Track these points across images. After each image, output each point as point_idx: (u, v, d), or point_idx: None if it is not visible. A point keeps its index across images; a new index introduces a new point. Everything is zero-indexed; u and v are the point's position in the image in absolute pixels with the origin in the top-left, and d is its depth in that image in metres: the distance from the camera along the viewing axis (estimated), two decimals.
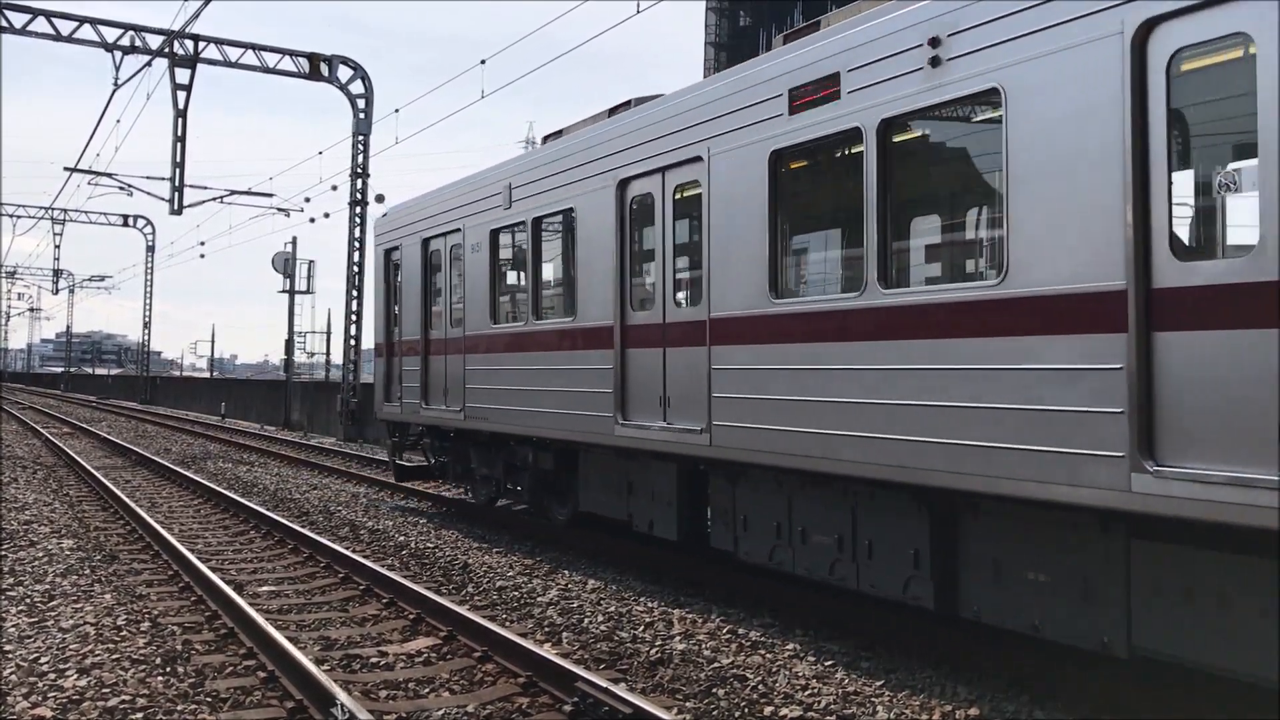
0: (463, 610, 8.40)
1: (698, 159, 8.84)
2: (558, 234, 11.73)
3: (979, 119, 6.85)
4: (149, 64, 27.16)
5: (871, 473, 7.09)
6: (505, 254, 12.78)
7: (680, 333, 9.16)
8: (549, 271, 12.06)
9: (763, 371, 8.05)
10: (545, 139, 12.42)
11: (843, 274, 7.99)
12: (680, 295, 9.39)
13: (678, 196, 9.31)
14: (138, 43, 28.10)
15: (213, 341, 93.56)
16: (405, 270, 15.19)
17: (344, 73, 31.33)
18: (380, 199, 31.69)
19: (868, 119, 7.12)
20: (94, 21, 27.86)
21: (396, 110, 33.61)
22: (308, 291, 42.93)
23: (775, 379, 7.91)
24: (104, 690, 6.73)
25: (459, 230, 13.36)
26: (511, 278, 12.91)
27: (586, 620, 8.75)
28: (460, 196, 13.47)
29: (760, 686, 6.93)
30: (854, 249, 7.56)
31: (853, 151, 7.49)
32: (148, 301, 63.72)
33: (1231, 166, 5.51)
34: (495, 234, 12.54)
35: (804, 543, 8.05)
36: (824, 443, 7.41)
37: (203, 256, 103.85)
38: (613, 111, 10.87)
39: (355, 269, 31.58)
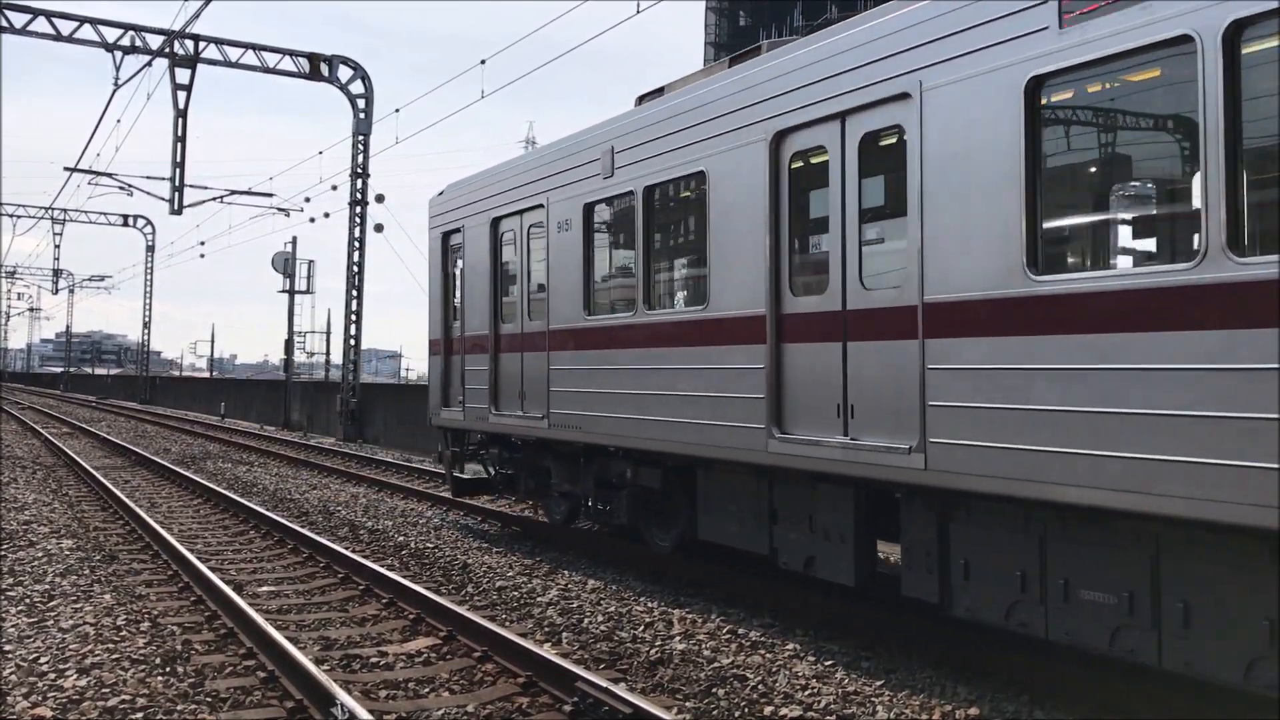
0: (463, 610, 8.39)
1: (902, 96, 6.96)
2: (680, 204, 9.93)
3: None
4: (149, 64, 27.21)
5: (1225, 515, 5.12)
6: (604, 231, 10.85)
7: (871, 322, 7.21)
8: (666, 251, 10.20)
9: (1015, 373, 6.13)
10: (641, 99, 10.49)
11: (1161, 238, 6.22)
12: (870, 274, 7.37)
13: (866, 147, 7.38)
14: (138, 43, 28.14)
15: (212, 341, 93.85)
16: (469, 255, 13.04)
17: (344, 73, 31.40)
18: (380, 199, 31.81)
19: (1204, 22, 5.26)
20: (94, 21, 27.91)
21: (397, 110, 33.66)
22: (308, 291, 43.03)
23: (1039, 383, 5.99)
24: (104, 690, 6.73)
25: (541, 206, 11.31)
26: (612, 260, 10.96)
27: (586, 620, 8.74)
28: (543, 167, 11.44)
29: (760, 686, 6.93)
30: (1177, 205, 5.92)
31: (1174, 69, 5.61)
32: (147, 301, 63.85)
33: None
34: (591, 208, 10.54)
35: (1065, 600, 6.10)
36: (1130, 470, 5.50)
37: (203, 256, 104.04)
38: (734, 61, 9.18)
39: (355, 269, 31.61)
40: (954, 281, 6.58)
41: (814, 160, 7.85)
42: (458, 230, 13.38)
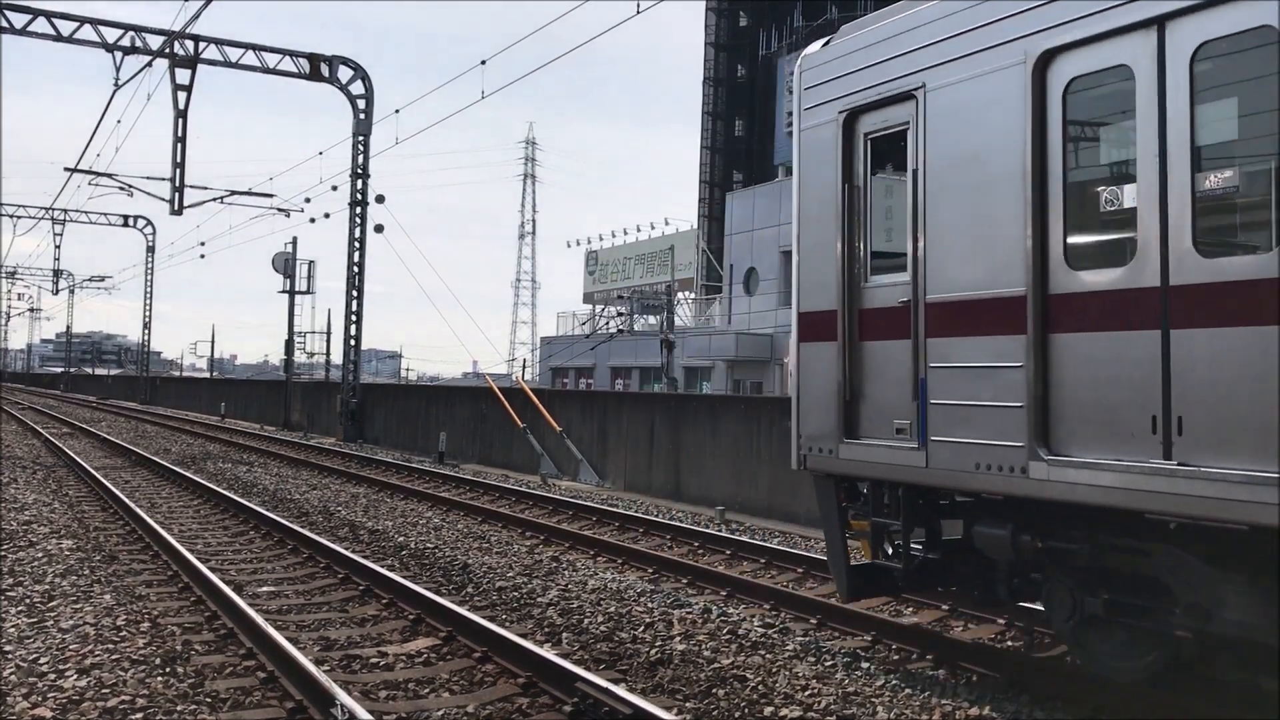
0: (463, 610, 8.39)
1: None
2: None
3: None
4: (149, 64, 27.20)
5: None
6: None
7: None
8: None
9: None
10: None
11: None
12: None
13: None
14: (138, 43, 28.13)
15: (213, 342, 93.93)
16: (942, 143, 6.74)
17: (344, 73, 31.42)
18: (380, 199, 31.81)
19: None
20: (94, 22, 27.91)
21: (397, 111, 33.63)
22: (308, 292, 43.09)
23: None
24: (104, 691, 6.72)
25: None
26: None
27: (586, 621, 8.74)
28: None
29: (760, 687, 6.92)
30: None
31: None
32: (148, 302, 63.92)
33: None
34: None
35: None
36: None
37: (203, 257, 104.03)
38: None
39: (355, 269, 31.62)
40: None
41: None
42: (900, 99, 7.09)
